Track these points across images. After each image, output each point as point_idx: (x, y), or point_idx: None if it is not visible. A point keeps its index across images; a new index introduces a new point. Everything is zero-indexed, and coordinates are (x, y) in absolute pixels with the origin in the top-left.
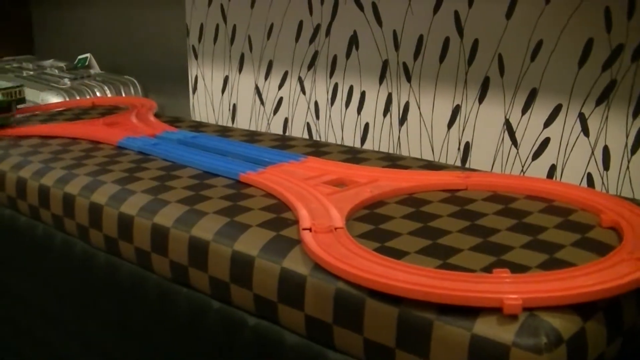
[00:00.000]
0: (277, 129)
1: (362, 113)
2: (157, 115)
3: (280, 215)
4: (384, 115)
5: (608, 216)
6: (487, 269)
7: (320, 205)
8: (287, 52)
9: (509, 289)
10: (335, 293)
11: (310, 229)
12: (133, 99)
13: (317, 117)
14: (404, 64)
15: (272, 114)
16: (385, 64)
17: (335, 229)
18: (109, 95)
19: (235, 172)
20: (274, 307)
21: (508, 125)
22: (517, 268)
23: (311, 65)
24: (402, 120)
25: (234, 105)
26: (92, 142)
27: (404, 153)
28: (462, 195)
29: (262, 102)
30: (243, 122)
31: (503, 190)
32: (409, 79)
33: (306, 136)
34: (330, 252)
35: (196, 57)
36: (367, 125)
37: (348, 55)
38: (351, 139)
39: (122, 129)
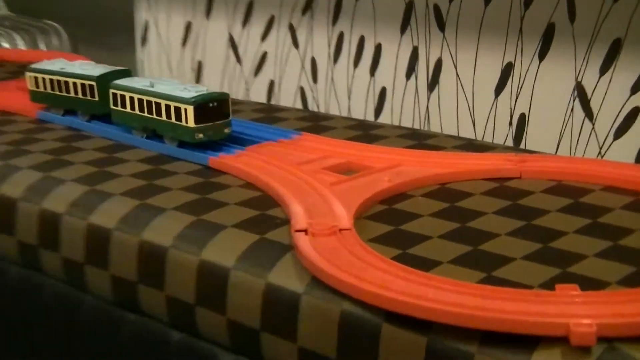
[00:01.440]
0: (259, 95)
1: (376, 74)
2: None
3: (265, 213)
4: (407, 77)
5: None
6: (549, 285)
7: (320, 199)
8: None
9: (578, 311)
10: (340, 317)
11: (306, 231)
12: (58, 54)
13: (315, 79)
14: (436, 6)
15: (252, 75)
16: (409, 7)
17: (341, 230)
18: (22, 47)
19: (204, 155)
20: (255, 337)
21: (580, 90)
22: (591, 284)
23: (307, 7)
24: (432, 84)
25: (200, 63)
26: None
27: (435, 129)
28: (514, 185)
29: (238, 59)
30: (212, 86)
31: (571, 179)
32: (441, 28)
33: (299, 105)
34: (334, 262)
35: None
36: (383, 90)
37: None
38: (362, 110)
39: None
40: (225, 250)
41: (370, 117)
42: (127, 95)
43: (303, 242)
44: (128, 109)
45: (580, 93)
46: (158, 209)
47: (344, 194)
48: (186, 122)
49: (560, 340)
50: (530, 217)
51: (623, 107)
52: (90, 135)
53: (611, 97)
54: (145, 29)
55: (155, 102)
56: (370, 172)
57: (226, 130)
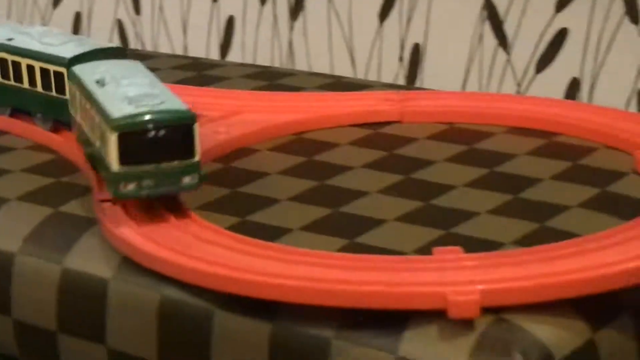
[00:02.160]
0: (62, 28)
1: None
2: None
3: (59, 180)
4: (262, 1)
5: None
6: (427, 250)
7: None
8: None
9: (458, 277)
10: (160, 307)
11: (113, 200)
12: None
13: (137, 9)
14: None
15: (50, 6)
16: None
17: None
18: None
19: None
20: (52, 341)
21: (490, 10)
22: (481, 246)
23: None
24: (296, 9)
25: None
26: None
27: (297, 65)
28: (391, 131)
29: None
30: None
31: (465, 120)
32: None
33: (116, 40)
34: (151, 236)
35: None
36: (230, 20)
37: None
38: (202, 48)
39: None
40: (7, 230)
41: (214, 53)
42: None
43: (110, 213)
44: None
45: (491, 14)
46: None
47: None
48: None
49: (437, 315)
50: (410, 170)
51: (546, 30)
52: None
53: (530, 18)
54: None
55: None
56: (201, 123)
57: (186, 180)
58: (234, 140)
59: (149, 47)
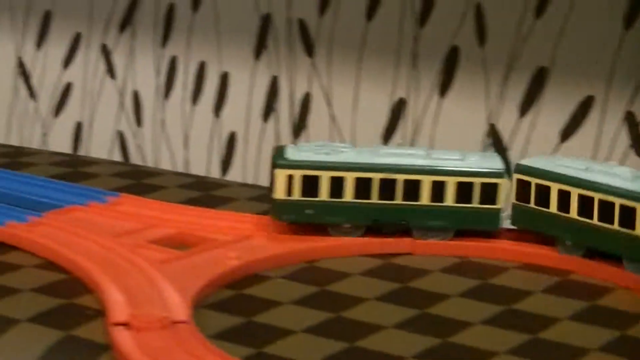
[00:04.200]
0: (61, 142)
1: (222, 114)
2: None
3: (71, 302)
4: (265, 117)
5: None
6: None
7: (146, 283)
8: None
9: None
10: None
11: (127, 325)
12: None
13: (139, 121)
14: (301, 21)
15: (51, 115)
16: (265, 22)
17: (174, 323)
18: None
19: None
20: None
21: (494, 134)
22: None
23: (126, 22)
24: (299, 125)
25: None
26: None
27: None
28: (403, 263)
29: (31, 93)
30: None
31: (479, 254)
32: (310, 51)
33: (118, 157)
34: None
35: None
36: (232, 136)
37: (196, 3)
38: (203, 163)
39: None
40: (17, 353)
41: (216, 173)
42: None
43: (124, 339)
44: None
45: (496, 141)
46: None
47: (177, 276)
48: None
49: None
50: (425, 304)
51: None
52: None
53: (535, 145)
54: None
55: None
56: (211, 247)
57: None
58: (245, 267)
59: (149, 162)
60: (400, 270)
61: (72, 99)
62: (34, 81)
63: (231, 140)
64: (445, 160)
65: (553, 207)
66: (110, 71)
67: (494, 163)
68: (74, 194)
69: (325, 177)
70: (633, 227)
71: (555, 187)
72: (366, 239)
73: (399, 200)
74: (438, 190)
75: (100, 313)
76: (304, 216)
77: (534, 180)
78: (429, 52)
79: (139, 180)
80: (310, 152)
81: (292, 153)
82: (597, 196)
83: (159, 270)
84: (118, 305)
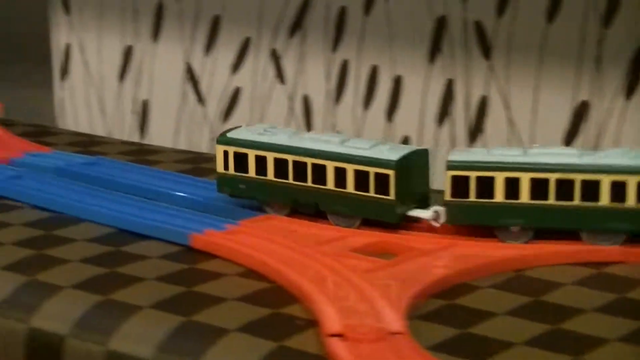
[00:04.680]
0: None
1: (395, 118)
2: (5, 123)
3: (279, 311)
4: (439, 122)
5: None
6: None
7: (355, 293)
8: (249, 2)
9: None
10: None
11: (342, 336)
12: None
13: (309, 125)
14: (477, 23)
15: (220, 120)
16: (440, 25)
17: (391, 334)
18: None
19: (183, 231)
20: None
21: None
22: None
23: (296, 26)
24: (477, 125)
25: (145, 103)
26: None
27: None
28: (617, 272)
29: (199, 98)
30: (162, 134)
31: None
32: (487, 54)
33: None
34: None
35: (66, 8)
36: (405, 141)
37: (368, 6)
38: None
39: None
40: None
41: None
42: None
43: (340, 350)
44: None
45: None
46: (126, 307)
47: (385, 286)
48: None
49: None
50: None
51: None
52: (15, 204)
53: None
54: (66, 57)
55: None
56: (416, 255)
57: None
58: (453, 276)
59: None
60: (613, 280)
61: (240, 104)
62: (203, 86)
63: (404, 144)
64: (352, 149)
65: (499, 197)
66: (280, 76)
67: (395, 154)
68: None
69: (251, 155)
70: (597, 199)
71: (500, 176)
72: (575, 247)
73: (309, 183)
74: (341, 176)
75: (310, 323)
76: (238, 190)
77: (473, 174)
78: (614, 53)
79: None
80: (249, 133)
81: (237, 132)
82: (553, 176)
83: (365, 279)
84: (331, 315)
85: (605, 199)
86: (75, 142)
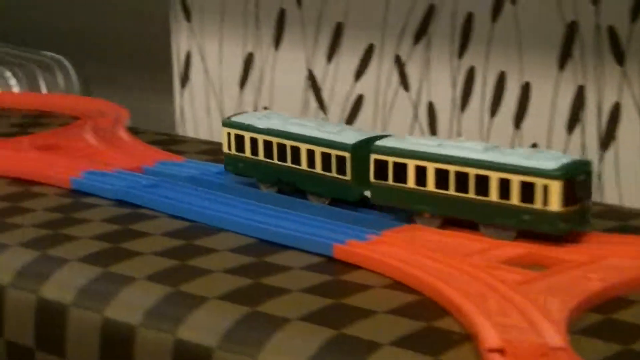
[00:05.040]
0: None
1: (523, 126)
2: (133, 131)
3: (432, 324)
4: (569, 129)
5: None
6: None
7: (510, 306)
8: (372, 8)
9: None
10: None
11: (502, 351)
12: (81, 101)
13: (434, 131)
14: (611, 28)
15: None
16: (570, 30)
17: (552, 349)
18: (15, 87)
19: (326, 242)
20: None
21: None
22: None
23: (421, 32)
24: (607, 136)
25: (266, 110)
26: (15, 181)
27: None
28: None
29: (321, 105)
30: None
31: None
32: (620, 60)
33: None
34: None
35: (187, 15)
36: (534, 147)
37: (496, 12)
38: None
39: (73, 156)
40: None
41: None
42: (412, 164)
43: None
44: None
45: None
46: (274, 320)
47: (540, 299)
48: (544, 204)
49: None
50: None
51: None
52: (152, 214)
53: None
54: (187, 64)
55: (478, 176)
56: (568, 268)
57: (587, 217)
58: (609, 289)
59: None
60: None
61: (363, 111)
62: (325, 94)
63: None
64: (325, 133)
65: (411, 183)
66: (404, 83)
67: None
68: (407, 212)
69: (247, 137)
70: (486, 194)
71: (412, 164)
72: None
73: (289, 164)
74: (312, 159)
75: (465, 337)
76: (238, 168)
77: (390, 159)
78: None
79: None
80: (250, 118)
81: (240, 117)
82: (452, 168)
83: (519, 292)
84: (489, 330)
85: (494, 194)
86: (204, 150)
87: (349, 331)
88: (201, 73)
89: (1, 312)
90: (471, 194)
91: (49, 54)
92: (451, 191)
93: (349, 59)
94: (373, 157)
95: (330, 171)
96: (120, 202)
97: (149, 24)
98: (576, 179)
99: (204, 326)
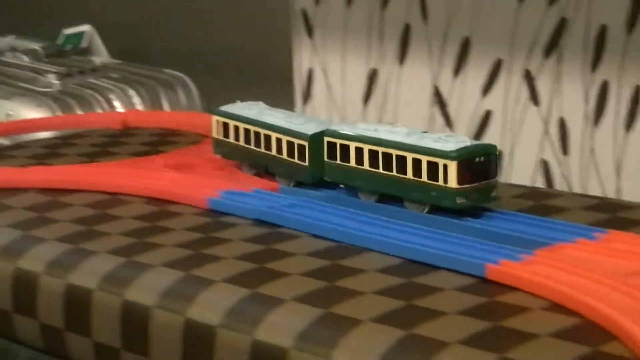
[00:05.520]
0: None
1: None
2: None
3: (597, 349)
4: None
5: None
6: None
7: None
8: (500, 22)
9: None
10: None
11: None
12: (208, 119)
13: (565, 150)
14: None
15: None
16: None
17: None
18: (139, 105)
19: (478, 262)
20: None
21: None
22: None
23: (552, 46)
24: None
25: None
26: (150, 200)
27: None
28: None
29: (447, 121)
30: None
31: None
32: None
33: (541, 185)
34: None
35: (309, 32)
36: None
37: (631, 24)
38: (637, 191)
39: (208, 175)
40: None
41: None
42: (353, 145)
43: None
44: (353, 164)
45: None
46: (435, 344)
47: None
48: (445, 181)
49: None
50: None
51: None
52: (293, 233)
53: None
54: (309, 80)
55: (397, 156)
56: None
57: (493, 194)
58: None
59: (576, 188)
60: None
61: (491, 127)
62: (451, 109)
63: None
64: (291, 123)
65: (352, 162)
66: (534, 98)
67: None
68: (558, 231)
69: (231, 125)
70: (405, 173)
71: (352, 145)
72: None
73: (262, 149)
74: (280, 147)
75: None
76: (224, 152)
77: (338, 141)
78: None
79: (613, 214)
80: (235, 107)
81: (228, 107)
82: (381, 150)
83: None
84: None
85: (410, 173)
86: None
87: (511, 355)
88: (324, 89)
89: (147, 330)
90: (394, 172)
91: (170, 72)
92: (381, 170)
93: (476, 74)
94: (326, 139)
95: (293, 157)
96: (259, 222)
97: (270, 40)
98: (474, 160)
99: (357, 348)
